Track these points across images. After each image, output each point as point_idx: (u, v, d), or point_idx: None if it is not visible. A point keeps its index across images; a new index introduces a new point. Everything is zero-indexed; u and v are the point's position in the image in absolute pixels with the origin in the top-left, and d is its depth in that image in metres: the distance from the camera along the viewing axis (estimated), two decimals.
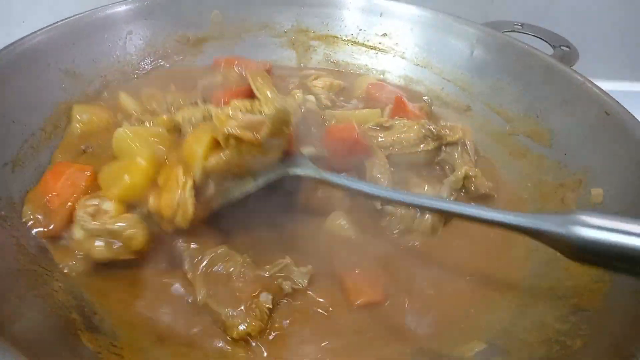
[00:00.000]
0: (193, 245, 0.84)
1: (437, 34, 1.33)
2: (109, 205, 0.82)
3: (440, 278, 0.91)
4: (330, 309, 0.82)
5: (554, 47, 1.27)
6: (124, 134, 0.88)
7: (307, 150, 0.97)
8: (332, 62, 1.41)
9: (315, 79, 1.28)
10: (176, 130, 0.99)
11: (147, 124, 0.99)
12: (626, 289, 0.76)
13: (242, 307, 0.77)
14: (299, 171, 0.88)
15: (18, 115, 0.97)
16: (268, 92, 1.04)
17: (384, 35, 1.38)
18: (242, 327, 0.75)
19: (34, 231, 0.84)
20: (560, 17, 1.52)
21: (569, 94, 1.10)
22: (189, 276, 0.81)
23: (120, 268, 0.82)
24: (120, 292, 0.81)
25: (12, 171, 0.90)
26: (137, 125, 1.00)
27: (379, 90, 1.27)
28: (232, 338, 0.75)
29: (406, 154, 1.07)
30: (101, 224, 0.79)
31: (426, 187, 1.00)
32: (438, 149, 1.09)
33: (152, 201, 0.81)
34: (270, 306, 0.78)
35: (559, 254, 0.90)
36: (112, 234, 0.80)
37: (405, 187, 1.00)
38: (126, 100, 1.11)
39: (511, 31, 1.35)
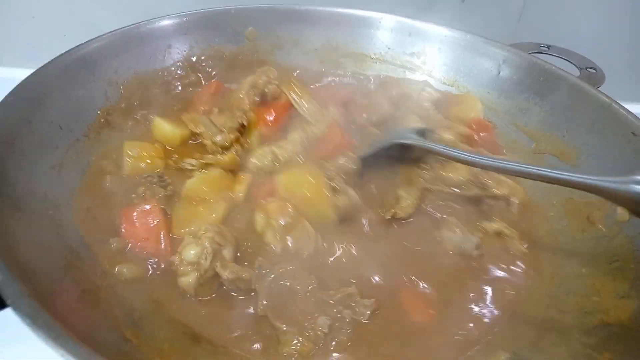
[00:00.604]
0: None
1: (464, 54, 1.37)
2: (228, 254, 0.87)
3: (469, 292, 0.92)
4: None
5: (580, 68, 1.29)
6: (196, 185, 1.01)
7: (414, 124, 1.15)
8: (360, 79, 1.45)
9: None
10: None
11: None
12: None
13: (299, 327, 0.78)
14: (403, 140, 1.05)
15: (65, 121, 1.02)
16: (306, 104, 1.09)
17: (412, 54, 1.42)
18: (293, 347, 0.77)
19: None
20: (586, 40, 1.54)
21: (596, 115, 1.12)
22: (255, 286, 0.83)
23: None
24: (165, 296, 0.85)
25: (59, 174, 0.95)
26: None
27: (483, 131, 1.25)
28: (282, 353, 0.77)
29: (444, 193, 1.07)
30: (212, 266, 0.83)
31: (457, 230, 0.99)
32: (480, 198, 1.07)
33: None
34: (327, 331, 0.79)
35: (584, 270, 0.93)
36: (212, 277, 0.84)
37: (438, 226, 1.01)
38: (164, 127, 1.15)
39: (537, 52, 1.37)
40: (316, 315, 0.80)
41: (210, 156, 1.09)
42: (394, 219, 1.01)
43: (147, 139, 1.15)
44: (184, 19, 1.31)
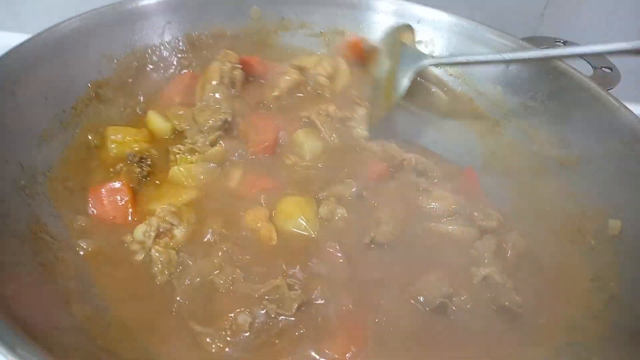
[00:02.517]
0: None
1: (473, 45, 1.29)
2: (180, 233, 0.87)
3: None
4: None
5: (594, 68, 1.21)
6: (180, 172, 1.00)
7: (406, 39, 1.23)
8: None
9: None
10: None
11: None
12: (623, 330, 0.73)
13: (215, 327, 0.74)
14: (427, 62, 1.16)
15: (52, 92, 1.02)
16: None
17: (419, 42, 1.35)
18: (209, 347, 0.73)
19: None
20: (609, 38, 1.44)
21: (601, 119, 1.05)
22: (174, 282, 0.80)
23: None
24: (122, 274, 0.84)
25: (39, 145, 0.96)
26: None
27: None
28: None
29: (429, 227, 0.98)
30: (158, 247, 0.84)
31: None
32: (475, 235, 0.97)
33: None
34: (247, 332, 0.74)
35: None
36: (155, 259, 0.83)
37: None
38: (156, 121, 1.14)
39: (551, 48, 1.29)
40: (237, 311, 0.75)
41: (198, 144, 1.06)
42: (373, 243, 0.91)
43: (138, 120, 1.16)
44: None
